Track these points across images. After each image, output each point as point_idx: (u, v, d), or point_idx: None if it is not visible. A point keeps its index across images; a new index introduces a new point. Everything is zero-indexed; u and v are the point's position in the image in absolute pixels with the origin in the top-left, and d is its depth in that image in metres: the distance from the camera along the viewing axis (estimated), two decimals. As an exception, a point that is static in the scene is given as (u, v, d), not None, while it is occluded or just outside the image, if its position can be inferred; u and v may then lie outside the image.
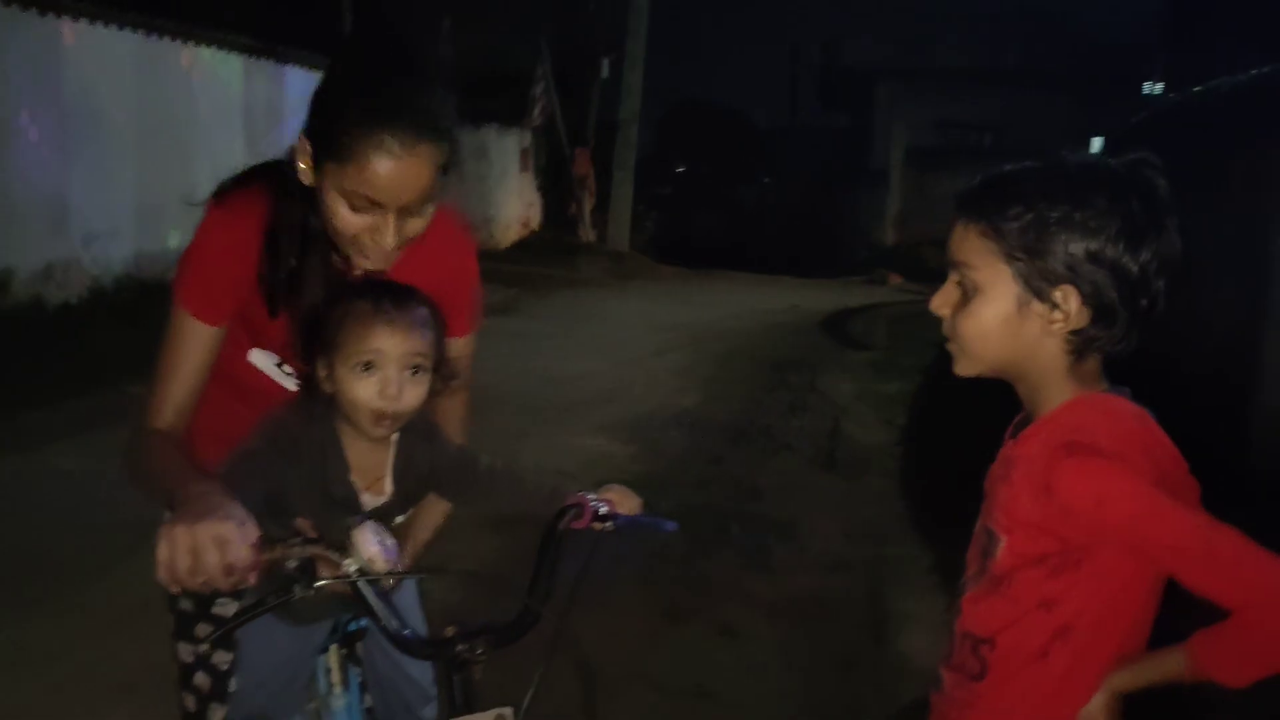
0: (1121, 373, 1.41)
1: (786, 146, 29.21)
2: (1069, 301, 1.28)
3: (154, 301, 8.72)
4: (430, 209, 1.57)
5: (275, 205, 1.61)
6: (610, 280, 16.12)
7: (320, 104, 1.54)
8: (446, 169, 1.55)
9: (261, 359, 1.73)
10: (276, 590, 1.34)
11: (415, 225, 1.57)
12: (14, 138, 8.02)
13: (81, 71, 8.67)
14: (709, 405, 7.91)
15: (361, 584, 1.35)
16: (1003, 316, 1.31)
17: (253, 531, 1.27)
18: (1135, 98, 18.53)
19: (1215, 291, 6.61)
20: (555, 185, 20.84)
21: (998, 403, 1.49)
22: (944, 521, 5.31)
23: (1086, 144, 23.22)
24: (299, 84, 12.30)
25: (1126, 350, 1.33)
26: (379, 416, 1.55)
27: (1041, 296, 1.29)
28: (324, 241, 1.61)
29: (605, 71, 20.71)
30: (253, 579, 1.28)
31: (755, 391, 8.51)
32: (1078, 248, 1.26)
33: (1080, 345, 1.31)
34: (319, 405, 1.60)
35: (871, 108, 25.87)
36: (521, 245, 18.90)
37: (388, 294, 1.56)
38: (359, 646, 1.89)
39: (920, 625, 4.16)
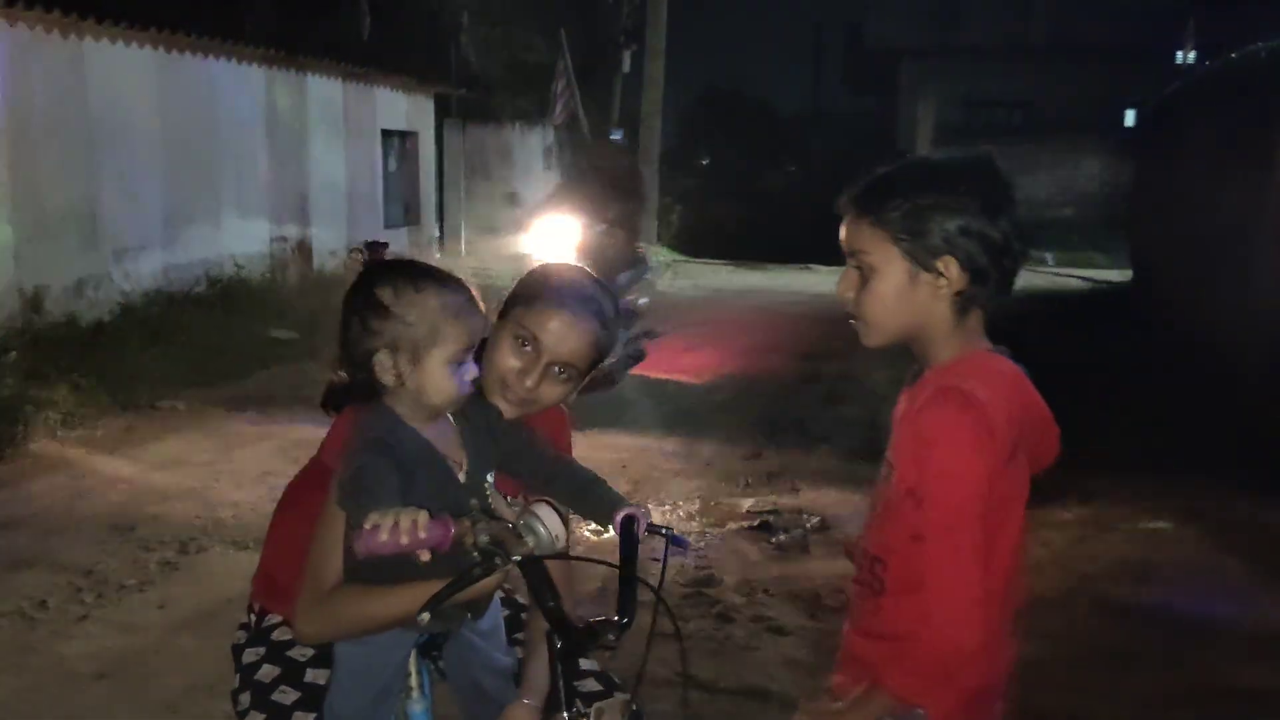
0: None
1: (812, 133, 28.96)
2: (950, 269, 1.53)
3: (182, 317, 8.81)
4: (567, 390, 1.79)
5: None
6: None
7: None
8: (591, 371, 1.81)
9: None
10: (479, 565, 1.42)
11: (553, 391, 1.77)
12: (43, 157, 8.10)
13: (105, 92, 8.74)
14: (743, 399, 7.84)
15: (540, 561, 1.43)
16: (898, 289, 1.57)
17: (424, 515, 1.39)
18: (1168, 67, 18.15)
19: (1262, 260, 6.46)
20: (580, 182, 20.74)
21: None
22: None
23: (1120, 117, 22.83)
24: (320, 92, 12.35)
25: (999, 304, 1.59)
26: (462, 399, 1.62)
27: (927, 268, 1.54)
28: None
29: (627, 65, 20.61)
30: (444, 549, 1.39)
31: (789, 384, 8.44)
32: (950, 225, 1.52)
33: (963, 304, 1.56)
34: (381, 411, 1.60)
35: (897, 89, 25.61)
36: (549, 244, 18.86)
37: (463, 284, 1.63)
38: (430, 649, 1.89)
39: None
